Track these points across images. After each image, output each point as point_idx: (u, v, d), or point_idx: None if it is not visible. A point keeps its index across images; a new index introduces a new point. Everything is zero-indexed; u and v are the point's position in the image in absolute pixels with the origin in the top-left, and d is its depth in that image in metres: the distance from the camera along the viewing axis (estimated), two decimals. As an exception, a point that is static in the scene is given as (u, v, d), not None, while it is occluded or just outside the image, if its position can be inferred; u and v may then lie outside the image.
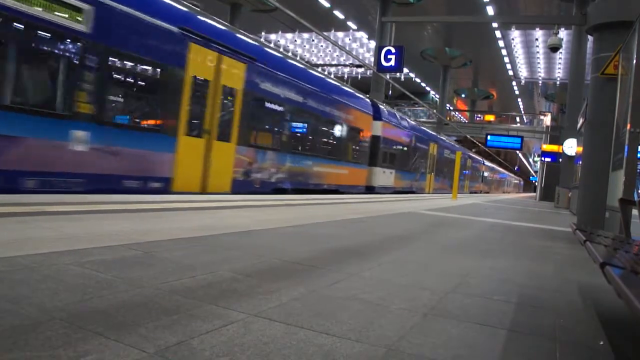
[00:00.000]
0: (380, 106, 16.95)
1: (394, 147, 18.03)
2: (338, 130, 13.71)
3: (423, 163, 22.40)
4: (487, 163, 45.71)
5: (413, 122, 22.36)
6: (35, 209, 3.84)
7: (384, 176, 16.92)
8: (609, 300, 2.72)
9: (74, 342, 1.38)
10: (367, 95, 17.55)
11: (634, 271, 1.57)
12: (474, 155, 38.58)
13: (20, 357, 1.27)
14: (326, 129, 13.14)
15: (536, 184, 41.00)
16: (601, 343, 1.97)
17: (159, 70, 7.24)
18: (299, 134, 11.78)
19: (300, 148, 11.71)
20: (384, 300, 2.24)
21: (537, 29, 31.13)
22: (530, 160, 71.04)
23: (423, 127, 24.40)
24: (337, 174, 13.62)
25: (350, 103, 14.23)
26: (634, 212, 3.09)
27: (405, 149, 19.48)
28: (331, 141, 13.59)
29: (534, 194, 40.10)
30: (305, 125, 11.95)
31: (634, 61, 4.61)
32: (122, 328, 1.54)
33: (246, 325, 1.70)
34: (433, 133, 25.86)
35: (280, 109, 10.51)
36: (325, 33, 22.88)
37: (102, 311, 1.69)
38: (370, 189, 15.99)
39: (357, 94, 15.69)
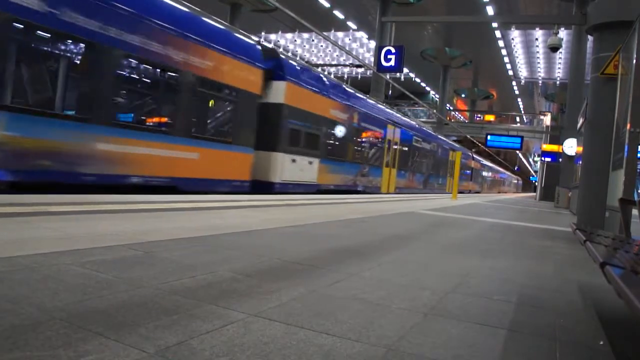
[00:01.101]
0: (288, 61, 11.10)
1: (318, 125, 12.01)
2: (172, 84, 7.81)
3: (377, 152, 16.25)
4: (479, 158, 40.00)
5: (357, 94, 15.47)
6: (36, 209, 3.84)
7: (296, 167, 10.98)
8: (609, 300, 2.73)
9: (74, 342, 1.38)
10: (259, 42, 11.53)
11: (634, 271, 1.57)
12: (461, 148, 32.56)
13: (20, 357, 1.27)
14: (138, 77, 7.37)
15: (536, 183, 40.99)
16: (601, 343, 1.97)
17: None
18: (42, 76, 6.35)
19: (47, 104, 6.14)
20: (384, 300, 2.24)
21: (537, 28, 31.16)
22: (530, 160, 71.04)
23: (376, 103, 17.69)
24: (172, 160, 7.75)
25: (210, 43, 8.33)
26: (634, 211, 3.09)
27: (341, 129, 13.44)
28: (151, 100, 7.85)
29: (534, 193, 40.08)
30: (68, 61, 6.39)
31: (634, 61, 4.61)
32: (122, 328, 1.54)
33: (246, 326, 1.70)
34: (393, 112, 19.38)
35: None
36: (325, 33, 22.87)
37: (102, 311, 1.69)
38: (263, 186, 10.09)
39: (231, 32, 9.80)
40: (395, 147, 17.94)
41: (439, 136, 27.05)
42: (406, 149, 19.60)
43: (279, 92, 10.43)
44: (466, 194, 31.02)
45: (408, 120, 21.96)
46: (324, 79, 13.14)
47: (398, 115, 20.07)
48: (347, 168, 14.12)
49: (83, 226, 3.34)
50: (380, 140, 16.56)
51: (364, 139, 15.39)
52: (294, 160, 10.97)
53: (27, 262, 2.21)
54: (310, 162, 11.79)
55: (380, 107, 17.45)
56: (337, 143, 13.54)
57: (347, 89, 14.70)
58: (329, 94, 12.78)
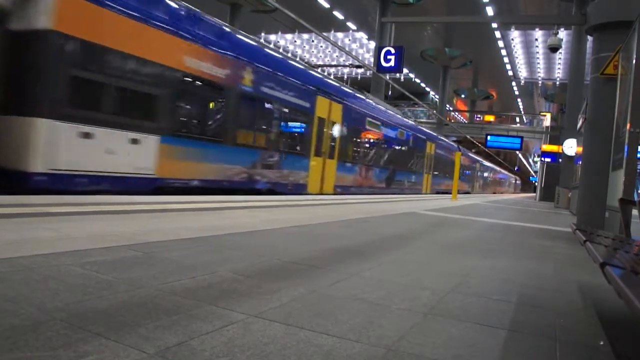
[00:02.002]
0: None
1: (155, 79, 7.25)
2: None
3: (298, 135, 11.54)
4: (468, 154, 34.32)
5: (252, 42, 10.39)
6: (36, 210, 3.84)
7: (94, 147, 6.35)
8: (609, 300, 2.72)
9: (74, 343, 1.38)
10: None
11: (634, 271, 1.57)
12: (441, 139, 26.46)
13: (20, 357, 1.27)
14: None
15: (536, 184, 40.93)
16: (601, 343, 1.97)
17: None
18: None
19: None
20: (384, 300, 2.24)
21: (537, 29, 31.15)
22: (530, 160, 71.06)
23: (297, 64, 12.66)
24: None
25: None
26: (634, 212, 3.09)
27: (215, 92, 8.65)
28: None
29: (534, 194, 40.03)
30: None
31: (634, 61, 4.62)
32: (122, 328, 1.54)
33: (246, 326, 1.70)
34: (330, 81, 13.74)
35: None
36: (324, 33, 22.83)
37: (102, 311, 1.69)
38: (4, 178, 5.66)
39: None
40: (334, 129, 12.74)
41: (410, 122, 22.00)
42: (355, 133, 14.48)
43: (43, 8, 5.80)
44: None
45: (359, 95, 15.48)
46: (175, 6, 7.70)
47: (338, 85, 13.88)
48: (230, 154, 8.97)
49: (83, 227, 3.34)
50: (303, 117, 11.33)
51: (268, 112, 10.16)
52: (87, 135, 6.21)
53: (27, 262, 2.21)
54: (136, 140, 6.91)
55: (302, 70, 12.01)
56: (205, 113, 8.68)
57: (228, 31, 9.46)
58: (188, 34, 7.71)
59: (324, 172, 12.46)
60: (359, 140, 15.07)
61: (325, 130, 12.33)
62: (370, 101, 16.41)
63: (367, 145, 15.79)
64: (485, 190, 41.83)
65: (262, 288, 2.23)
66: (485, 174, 43.54)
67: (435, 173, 23.95)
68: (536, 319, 2.23)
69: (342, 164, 13.50)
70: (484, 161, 43.17)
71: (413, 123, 22.67)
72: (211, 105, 8.82)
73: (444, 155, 25.47)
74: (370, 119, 15.32)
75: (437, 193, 23.83)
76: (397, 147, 18.54)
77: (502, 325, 2.03)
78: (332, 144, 12.85)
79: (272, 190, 10.30)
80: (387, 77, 24.03)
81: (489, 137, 25.72)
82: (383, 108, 17.47)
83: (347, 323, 1.84)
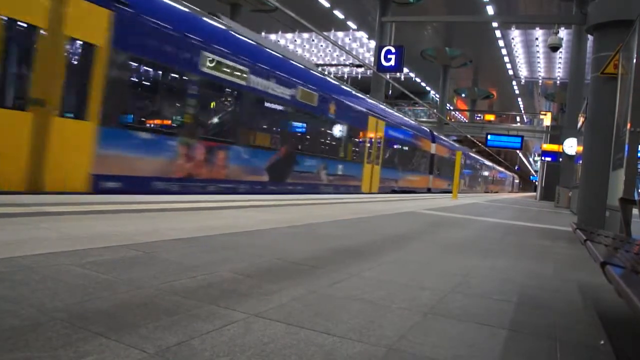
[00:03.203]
0: None
1: None
2: None
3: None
4: (446, 141, 27.43)
5: None
6: (35, 210, 3.84)
7: None
8: (610, 299, 2.72)
9: (74, 343, 1.38)
10: None
11: (635, 270, 1.57)
12: (400, 117, 20.01)
13: (20, 357, 1.26)
14: None
15: (536, 183, 40.90)
16: (601, 343, 1.97)
17: None
18: None
19: None
20: (385, 300, 2.24)
21: (537, 28, 31.15)
22: (531, 159, 71.08)
23: None
24: None
25: None
26: (634, 211, 3.09)
27: None
28: None
29: (534, 193, 40.01)
30: None
31: (634, 60, 4.61)
32: (123, 328, 1.54)
33: (247, 326, 1.70)
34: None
35: None
36: (325, 33, 22.80)
37: (102, 312, 1.69)
38: None
39: None
40: (94, 58, 6.08)
41: (334, 82, 14.18)
42: (175, 74, 7.80)
43: None
44: (421, 194, 19.99)
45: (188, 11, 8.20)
46: None
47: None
48: None
49: (83, 226, 3.34)
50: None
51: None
52: None
53: (26, 262, 2.21)
54: None
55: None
56: None
57: None
58: None
59: (52, 145, 5.68)
60: (191, 92, 8.01)
61: (55, 54, 5.71)
62: (219, 25, 9.12)
63: (213, 104, 8.98)
64: (473, 189, 34.43)
65: (263, 288, 2.23)
66: (474, 170, 35.76)
67: (389, 165, 17.25)
68: (536, 318, 2.23)
69: (123, 133, 6.84)
70: (472, 153, 35.91)
71: (347, 89, 14.74)
72: None
73: (404, 140, 18.82)
74: (220, 59, 8.44)
75: (394, 192, 17.65)
76: (300, 118, 11.57)
77: (502, 325, 2.03)
78: (85, 88, 6.13)
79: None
80: (388, 76, 24.01)
81: (489, 137, 25.72)
82: (260, 47, 10.31)
83: (347, 323, 1.84)
